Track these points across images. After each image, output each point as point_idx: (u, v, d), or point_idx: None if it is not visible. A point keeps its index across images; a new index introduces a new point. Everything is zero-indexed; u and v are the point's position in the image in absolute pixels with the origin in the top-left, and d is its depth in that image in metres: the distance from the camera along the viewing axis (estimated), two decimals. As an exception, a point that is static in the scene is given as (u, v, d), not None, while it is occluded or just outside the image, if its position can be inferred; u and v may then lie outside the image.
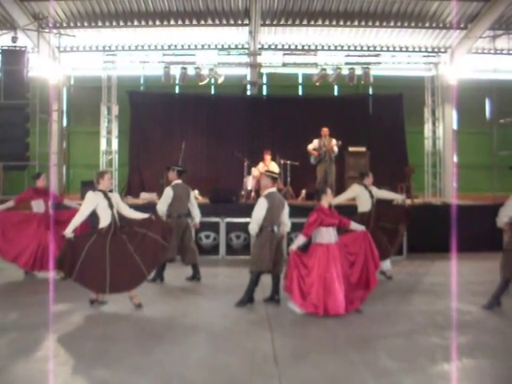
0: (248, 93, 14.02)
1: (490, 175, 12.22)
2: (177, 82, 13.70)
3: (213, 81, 13.37)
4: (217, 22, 12.72)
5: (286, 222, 6.27)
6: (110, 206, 5.77)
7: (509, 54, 13.46)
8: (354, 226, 6.05)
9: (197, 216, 7.52)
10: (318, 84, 13.41)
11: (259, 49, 13.42)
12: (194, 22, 12.67)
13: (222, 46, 13.64)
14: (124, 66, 13.97)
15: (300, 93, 15.01)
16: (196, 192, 10.20)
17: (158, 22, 12.65)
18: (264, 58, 13.77)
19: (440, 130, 14.28)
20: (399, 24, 12.80)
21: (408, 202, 8.76)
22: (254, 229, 6.06)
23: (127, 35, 13.17)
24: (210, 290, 6.98)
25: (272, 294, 6.19)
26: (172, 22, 12.64)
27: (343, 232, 6.16)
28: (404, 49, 13.83)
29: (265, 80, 14.63)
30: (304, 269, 5.66)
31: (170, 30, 12.99)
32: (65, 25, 12.68)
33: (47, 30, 12.34)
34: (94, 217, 5.84)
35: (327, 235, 5.74)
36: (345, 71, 13.20)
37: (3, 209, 7.61)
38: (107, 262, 5.54)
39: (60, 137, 13.80)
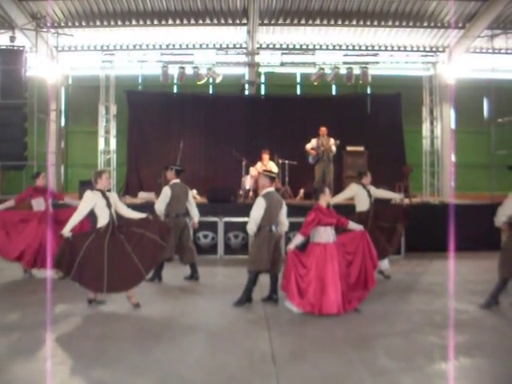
0: (246, 92, 14.05)
1: (488, 174, 12.22)
2: (175, 81, 13.71)
3: (211, 80, 13.32)
4: (215, 21, 12.70)
5: (284, 221, 6.27)
6: (108, 205, 5.77)
7: (507, 53, 13.45)
8: (352, 225, 6.06)
9: (195, 216, 7.52)
10: (316, 83, 13.39)
11: (257, 48, 13.41)
12: (192, 21, 12.65)
13: (220, 45, 13.62)
14: (122, 65, 13.97)
15: (298, 92, 14.98)
16: (194, 191, 10.19)
17: (156, 22, 12.64)
18: (262, 57, 13.77)
19: (438, 129, 14.29)
20: (397, 23, 12.80)
21: (406, 201, 8.79)
22: (252, 228, 6.06)
23: (125, 35, 13.14)
24: (208, 290, 6.98)
25: (270, 293, 6.20)
26: (170, 22, 12.63)
27: (341, 231, 6.17)
28: (402, 48, 13.82)
29: (263, 79, 14.60)
30: (302, 268, 5.67)
31: (168, 30, 12.97)
32: (63, 24, 12.66)
33: (45, 30, 12.30)
34: (92, 216, 5.85)
35: (325, 234, 5.75)
36: (343, 71, 13.19)
37: (3, 208, 7.62)
38: (105, 261, 5.55)
39: (58, 136, 13.81)
